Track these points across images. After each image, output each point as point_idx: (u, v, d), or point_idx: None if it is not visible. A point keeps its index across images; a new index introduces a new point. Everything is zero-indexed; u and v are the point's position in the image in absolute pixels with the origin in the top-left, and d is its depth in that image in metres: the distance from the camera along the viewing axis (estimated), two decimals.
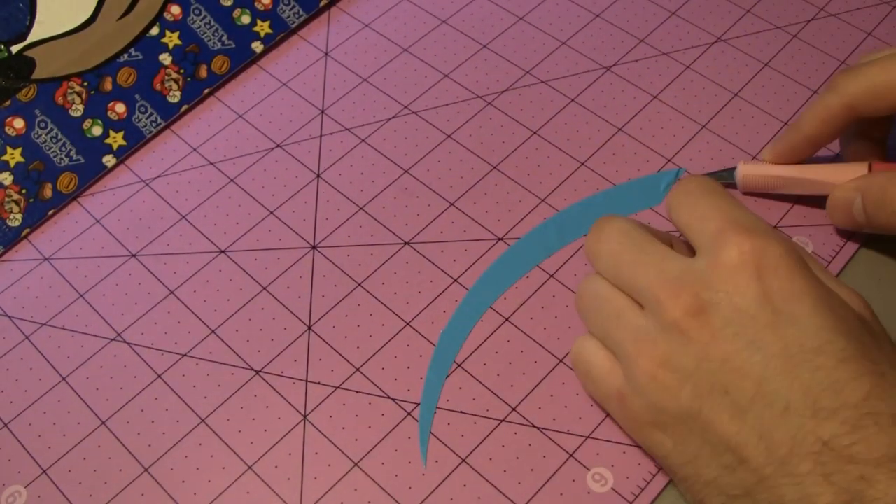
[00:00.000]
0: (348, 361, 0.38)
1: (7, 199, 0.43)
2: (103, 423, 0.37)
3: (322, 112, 0.46)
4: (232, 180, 0.44)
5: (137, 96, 0.46)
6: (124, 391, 0.38)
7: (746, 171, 0.40)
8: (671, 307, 0.31)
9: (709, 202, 0.33)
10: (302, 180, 0.44)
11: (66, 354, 0.39)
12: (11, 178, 0.43)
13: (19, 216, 0.43)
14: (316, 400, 0.37)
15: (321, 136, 0.46)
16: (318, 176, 0.44)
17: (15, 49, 0.45)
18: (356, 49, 0.49)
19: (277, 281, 0.41)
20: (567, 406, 0.37)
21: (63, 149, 0.44)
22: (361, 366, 0.38)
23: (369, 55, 0.48)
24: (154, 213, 0.43)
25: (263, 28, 0.48)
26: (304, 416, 0.37)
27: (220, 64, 0.47)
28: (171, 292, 0.41)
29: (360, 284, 0.40)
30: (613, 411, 0.35)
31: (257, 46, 0.48)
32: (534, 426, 0.36)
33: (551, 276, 0.40)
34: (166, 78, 0.47)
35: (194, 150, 0.45)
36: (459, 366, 0.38)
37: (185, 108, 0.46)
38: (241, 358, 0.39)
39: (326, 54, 0.49)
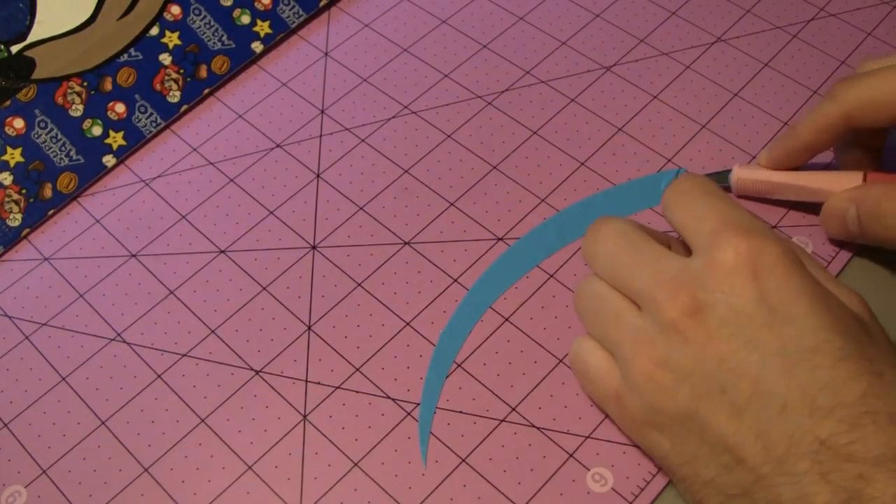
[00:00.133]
0: (348, 361, 0.38)
1: (7, 199, 0.43)
2: (103, 423, 0.37)
3: (322, 112, 0.46)
4: (232, 180, 0.44)
5: (137, 96, 0.46)
6: (124, 391, 0.38)
7: (741, 175, 0.40)
8: (668, 308, 0.31)
9: (705, 202, 0.33)
10: (302, 180, 0.44)
11: (66, 354, 0.39)
12: (11, 178, 0.43)
13: (19, 216, 0.43)
14: (316, 400, 0.37)
15: (321, 136, 0.46)
16: (318, 176, 0.44)
17: (15, 49, 0.45)
18: (356, 49, 0.49)
19: (277, 281, 0.41)
20: (567, 406, 0.37)
21: (63, 149, 0.44)
22: (361, 366, 0.38)
23: (369, 55, 0.48)
24: (154, 213, 0.43)
25: (263, 28, 0.48)
26: (304, 416, 0.37)
27: (220, 64, 0.47)
28: (171, 292, 0.41)
29: (360, 284, 0.40)
30: (611, 412, 0.35)
31: (257, 46, 0.48)
32: (534, 426, 0.36)
33: (551, 276, 0.40)
34: (166, 78, 0.47)
35: (194, 150, 0.45)
36: (459, 366, 0.38)
37: (185, 108, 0.46)
38: (241, 358, 0.39)
39: (326, 54, 0.49)
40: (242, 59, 0.48)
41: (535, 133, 0.45)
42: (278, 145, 0.45)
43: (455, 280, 0.40)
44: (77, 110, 0.45)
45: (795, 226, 0.41)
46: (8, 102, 0.44)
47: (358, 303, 0.40)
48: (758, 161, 0.40)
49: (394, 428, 0.37)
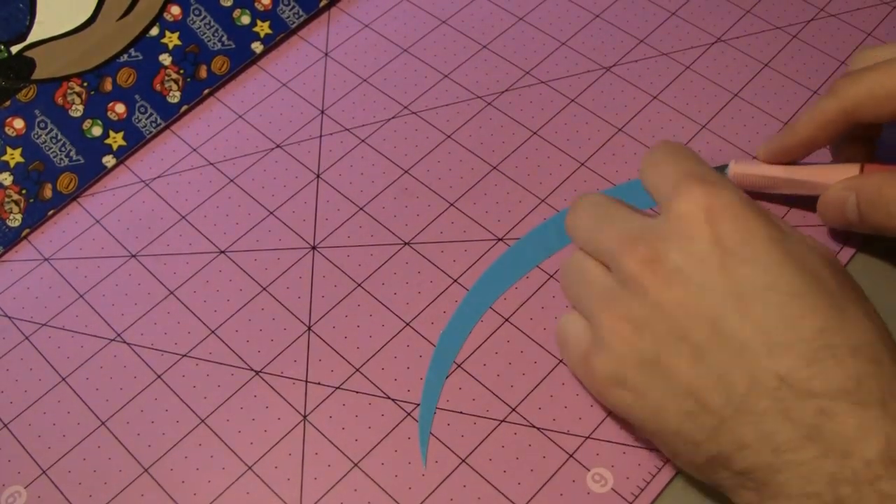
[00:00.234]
0: (348, 362, 0.38)
1: (7, 199, 0.43)
2: (103, 423, 0.37)
3: (322, 112, 0.46)
4: (232, 181, 0.44)
5: (137, 96, 0.46)
6: (124, 391, 0.38)
7: (738, 170, 0.40)
8: (628, 261, 0.32)
9: (672, 162, 0.33)
10: (302, 180, 0.44)
11: (65, 355, 0.39)
12: (11, 178, 0.43)
13: (19, 216, 0.43)
14: (316, 400, 0.37)
15: (321, 136, 0.46)
16: (318, 176, 0.44)
17: (15, 49, 0.45)
18: (356, 49, 0.49)
19: (277, 281, 0.41)
20: (567, 406, 0.37)
21: (63, 149, 0.44)
22: (361, 366, 0.38)
23: (369, 55, 0.48)
24: (154, 214, 0.43)
25: (263, 28, 0.49)
26: (304, 417, 0.37)
27: (219, 64, 0.47)
28: (171, 292, 0.41)
29: (360, 285, 0.40)
30: (581, 375, 0.35)
31: (257, 47, 0.48)
32: (534, 426, 0.36)
33: (551, 276, 0.40)
34: (166, 78, 0.47)
35: (194, 150, 0.45)
36: (459, 366, 0.38)
37: (184, 108, 0.46)
38: (241, 358, 0.39)
39: (326, 54, 0.49)
40: (242, 60, 0.48)
41: (535, 133, 0.45)
42: (278, 145, 0.45)
43: (455, 280, 0.40)
44: (77, 111, 0.45)
45: (795, 226, 0.41)
46: (8, 103, 0.44)
47: (358, 303, 0.40)
48: (756, 155, 0.40)
49: (394, 428, 0.37)
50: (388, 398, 0.37)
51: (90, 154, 0.45)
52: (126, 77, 0.46)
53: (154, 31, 0.47)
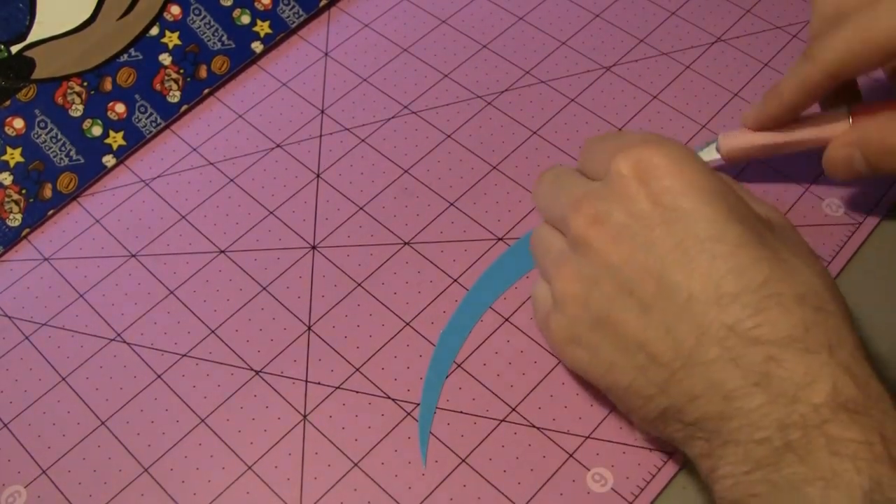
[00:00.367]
0: (348, 361, 0.38)
1: (7, 199, 0.43)
2: (103, 423, 0.37)
3: (322, 112, 0.46)
4: (232, 180, 0.44)
5: (137, 96, 0.46)
6: (124, 391, 0.38)
7: (728, 143, 0.40)
8: (574, 223, 0.32)
9: (603, 140, 0.35)
10: (302, 180, 0.44)
11: (65, 354, 0.39)
12: (11, 178, 0.43)
13: (19, 216, 0.43)
14: (316, 400, 0.37)
15: (321, 136, 0.46)
16: (318, 176, 0.44)
17: (15, 49, 0.45)
18: (356, 49, 0.49)
19: (277, 281, 0.41)
20: (567, 406, 0.37)
21: (63, 149, 0.44)
22: (361, 366, 0.38)
23: (369, 55, 0.48)
24: (154, 213, 0.43)
25: (263, 28, 0.48)
26: (304, 417, 0.37)
27: (219, 64, 0.47)
28: (171, 292, 0.41)
29: (359, 284, 0.40)
30: (545, 337, 0.37)
31: (257, 46, 0.48)
32: (534, 426, 0.36)
33: None
34: (166, 78, 0.47)
35: (194, 150, 0.45)
36: (459, 366, 0.38)
37: (184, 108, 0.46)
38: (240, 358, 0.39)
39: (326, 54, 0.49)
40: (242, 59, 0.48)
41: (535, 133, 0.45)
42: (278, 145, 0.45)
43: (455, 280, 0.40)
44: (77, 110, 0.45)
45: (796, 225, 0.41)
46: (8, 102, 0.44)
47: (358, 303, 0.40)
48: (743, 124, 0.40)
49: (394, 428, 0.37)
50: (388, 398, 0.37)
51: (90, 154, 0.45)
52: (126, 77, 0.46)
53: (154, 31, 0.47)
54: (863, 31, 0.35)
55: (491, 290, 0.40)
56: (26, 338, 0.40)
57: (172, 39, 0.47)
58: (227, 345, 0.39)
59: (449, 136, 0.45)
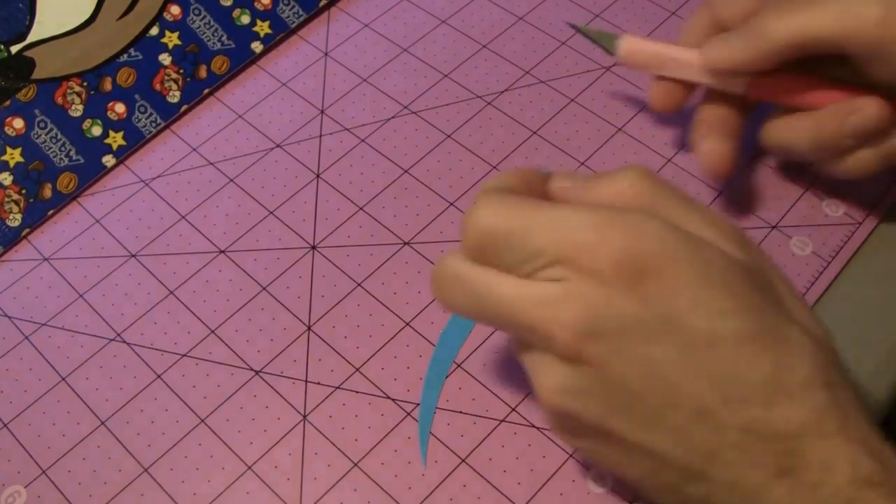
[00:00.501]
0: (348, 361, 0.38)
1: (7, 199, 0.43)
2: (103, 423, 0.37)
3: (322, 112, 0.46)
4: (232, 180, 0.44)
5: (137, 96, 0.46)
6: (124, 391, 0.38)
7: (631, 46, 0.41)
8: (556, 334, 0.28)
9: (551, 212, 0.29)
10: (302, 180, 0.44)
11: (65, 354, 0.39)
12: (11, 178, 0.43)
13: (19, 216, 0.43)
14: (316, 400, 0.37)
15: (321, 136, 0.46)
16: (318, 176, 0.44)
17: (15, 49, 0.45)
18: (356, 49, 0.49)
19: (277, 281, 0.41)
20: None
21: (63, 149, 0.44)
22: (361, 366, 0.38)
23: (369, 55, 0.48)
24: (154, 213, 0.43)
25: (263, 28, 0.48)
26: (304, 417, 0.37)
27: (219, 64, 0.47)
28: (171, 292, 0.41)
29: (359, 284, 0.40)
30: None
31: (257, 46, 0.48)
32: (534, 426, 0.36)
33: None
34: (166, 78, 0.47)
35: (194, 150, 0.45)
36: (459, 366, 0.38)
37: (184, 108, 0.46)
38: (240, 358, 0.39)
39: (326, 54, 0.49)
40: (242, 59, 0.48)
41: (535, 133, 0.45)
42: (278, 145, 0.45)
43: None
44: (77, 110, 0.45)
45: (795, 226, 0.41)
46: (8, 102, 0.44)
47: (358, 303, 0.40)
48: (702, 54, 0.39)
49: (394, 428, 0.37)
50: (388, 398, 0.37)
51: (90, 154, 0.45)
52: (126, 77, 0.46)
53: (154, 31, 0.47)
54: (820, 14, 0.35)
55: None
56: (26, 338, 0.40)
57: (172, 39, 0.47)
58: (227, 345, 0.39)
59: (449, 136, 0.45)
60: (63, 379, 0.39)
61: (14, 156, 0.44)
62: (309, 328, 0.39)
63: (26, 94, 0.45)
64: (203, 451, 0.36)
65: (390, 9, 0.50)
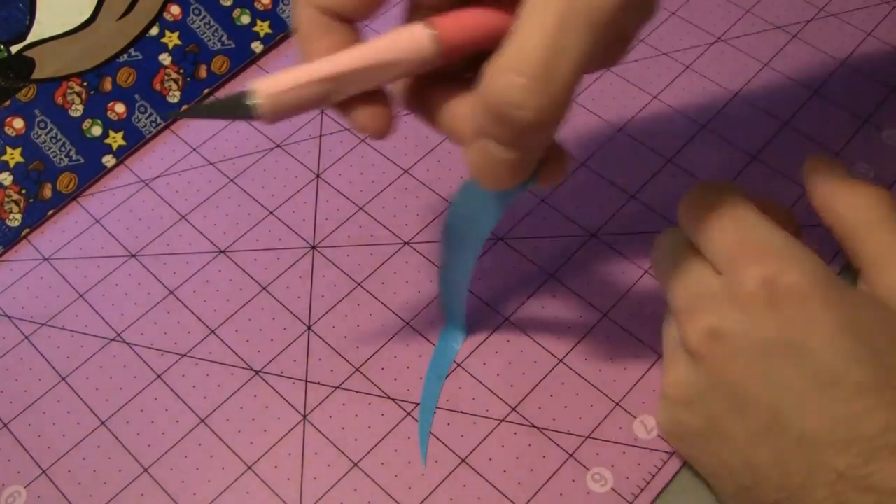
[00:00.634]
0: (348, 361, 0.38)
1: (7, 199, 0.43)
2: (103, 423, 0.37)
3: (322, 112, 0.46)
4: (232, 180, 0.44)
5: (137, 96, 0.46)
6: (124, 391, 0.38)
7: (274, 87, 0.27)
8: (687, 332, 0.31)
9: (719, 216, 0.31)
10: (302, 180, 0.44)
11: (65, 354, 0.39)
12: (11, 178, 0.43)
13: (19, 216, 0.43)
14: (316, 400, 0.37)
15: (321, 135, 0.45)
16: (318, 176, 0.44)
17: (15, 49, 0.45)
18: None
19: (277, 281, 0.41)
20: (567, 406, 0.37)
21: (63, 149, 0.44)
22: (361, 366, 0.38)
23: None
24: (154, 213, 0.43)
25: (263, 28, 0.48)
26: (304, 416, 0.37)
27: (219, 64, 0.47)
28: (171, 292, 0.41)
29: (359, 284, 0.40)
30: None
31: (257, 46, 0.48)
32: (534, 426, 0.36)
33: (551, 275, 0.40)
34: (166, 78, 0.47)
35: (194, 150, 0.45)
36: (459, 366, 0.38)
37: (185, 108, 0.46)
38: (240, 358, 0.39)
39: None
40: (242, 60, 0.48)
41: None
42: (278, 145, 0.45)
43: None
44: (77, 110, 0.45)
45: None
46: (8, 102, 0.44)
47: (358, 303, 0.40)
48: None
49: (394, 428, 0.37)
50: (388, 398, 0.37)
51: (90, 154, 0.45)
52: (126, 77, 0.46)
53: (154, 31, 0.47)
54: None
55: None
56: (26, 338, 0.40)
57: (172, 39, 0.47)
58: (227, 345, 0.39)
59: None
60: (63, 379, 0.39)
61: (14, 156, 0.44)
62: (309, 328, 0.39)
63: (26, 94, 0.45)
64: (203, 451, 0.36)
65: (390, 9, 0.50)
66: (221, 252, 0.42)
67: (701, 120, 0.45)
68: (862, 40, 0.47)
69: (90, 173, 0.44)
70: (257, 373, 0.38)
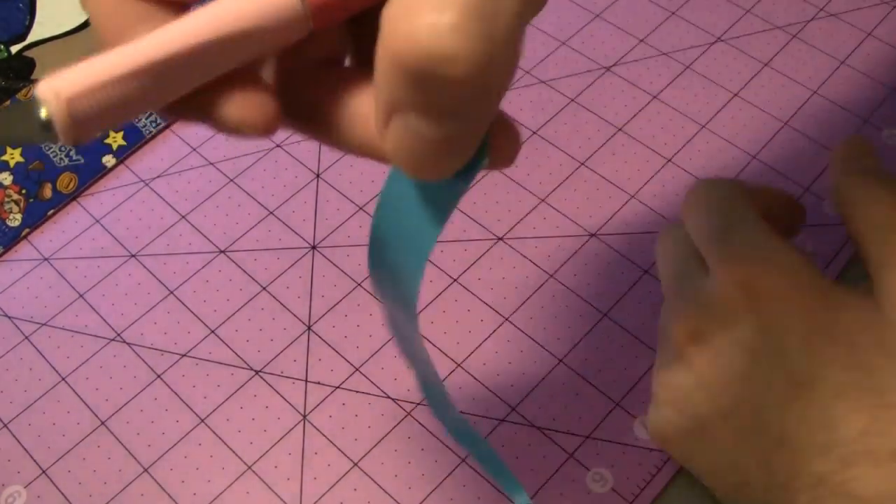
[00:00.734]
0: (348, 361, 0.38)
1: (7, 199, 0.43)
2: (103, 423, 0.37)
3: None
4: (232, 180, 0.44)
5: None
6: (124, 391, 0.38)
7: (71, 85, 0.20)
8: (675, 332, 0.31)
9: (710, 214, 0.32)
10: (302, 180, 0.44)
11: (65, 354, 0.39)
12: (11, 178, 0.43)
13: (19, 216, 0.43)
14: (316, 400, 0.37)
15: None
16: (318, 176, 0.44)
17: (15, 49, 0.45)
18: None
19: (277, 281, 0.41)
20: (567, 406, 0.37)
21: (63, 148, 0.44)
22: (361, 366, 0.38)
23: None
24: (154, 213, 0.43)
25: None
26: (304, 416, 0.37)
27: None
28: (171, 292, 0.41)
29: (359, 284, 0.40)
30: None
31: None
32: (534, 426, 0.36)
33: (551, 275, 0.40)
34: None
35: (194, 150, 0.45)
36: (459, 365, 0.38)
37: None
38: (240, 358, 0.39)
39: None
40: None
41: (535, 133, 0.45)
42: (278, 145, 0.45)
43: (455, 280, 0.40)
44: None
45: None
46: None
47: (358, 303, 0.40)
48: None
49: (394, 428, 0.37)
50: (388, 398, 0.37)
51: (90, 154, 0.45)
52: None
53: None
54: None
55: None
56: (26, 338, 0.40)
57: None
58: (227, 345, 0.39)
59: None
60: (63, 379, 0.39)
61: (14, 156, 0.44)
62: (309, 328, 0.39)
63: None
64: (203, 451, 0.36)
65: None
66: (221, 252, 0.42)
67: (701, 120, 0.45)
68: (862, 40, 0.47)
69: (90, 173, 0.44)
70: (257, 373, 0.38)
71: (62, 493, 0.36)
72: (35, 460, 0.37)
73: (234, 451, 0.36)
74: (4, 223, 0.43)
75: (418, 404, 0.37)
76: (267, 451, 0.36)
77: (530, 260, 0.41)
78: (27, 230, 0.43)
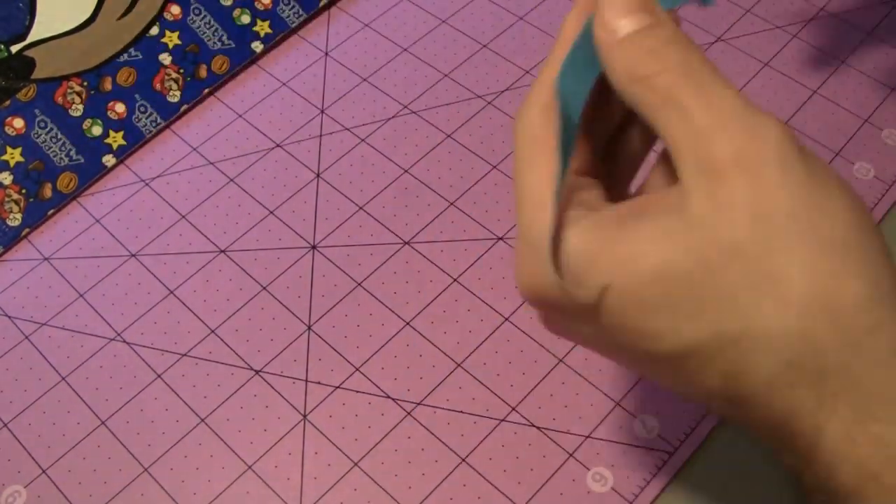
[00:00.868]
0: (348, 361, 0.38)
1: (7, 199, 0.43)
2: (103, 423, 0.37)
3: (322, 112, 0.46)
4: (232, 180, 0.44)
5: (137, 96, 0.46)
6: (124, 391, 0.38)
7: None
8: (720, 145, 0.25)
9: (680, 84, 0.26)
10: (302, 180, 0.44)
11: (65, 354, 0.39)
12: (11, 177, 0.43)
13: (19, 216, 0.43)
14: (316, 400, 0.37)
15: (321, 135, 0.46)
16: (318, 176, 0.44)
17: (15, 49, 0.45)
18: (356, 49, 0.49)
19: (277, 281, 0.41)
20: (567, 406, 0.37)
21: (63, 148, 0.44)
22: (361, 366, 0.38)
23: (369, 55, 0.48)
24: (154, 213, 0.43)
25: (263, 28, 0.48)
26: (304, 416, 0.37)
27: (219, 64, 0.47)
28: (171, 292, 0.41)
29: (359, 284, 0.40)
30: None
31: (257, 46, 0.48)
32: (534, 426, 0.36)
33: None
34: (166, 78, 0.47)
35: (194, 150, 0.45)
36: (459, 365, 0.38)
37: (185, 107, 0.46)
38: (240, 358, 0.39)
39: (326, 54, 0.49)
40: (242, 59, 0.48)
41: None
42: (278, 145, 0.45)
43: (455, 280, 0.40)
44: (77, 110, 0.45)
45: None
46: (8, 102, 0.44)
47: (358, 302, 0.40)
48: None
49: (394, 428, 0.37)
50: (388, 398, 0.37)
51: (90, 153, 0.45)
52: (126, 76, 0.46)
53: (154, 31, 0.47)
54: None
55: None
56: (26, 338, 0.40)
57: (172, 39, 0.47)
58: (227, 345, 0.39)
59: (449, 136, 0.45)
60: (63, 379, 0.39)
61: (14, 155, 0.44)
62: (309, 328, 0.39)
63: (26, 93, 0.45)
64: (203, 451, 0.36)
65: (390, 8, 0.50)
66: (221, 252, 0.42)
67: None
68: (862, 40, 0.47)
69: (90, 173, 0.44)
70: (257, 372, 0.38)
71: (62, 493, 0.36)
72: (35, 460, 0.37)
73: (234, 451, 0.36)
74: (4, 223, 0.43)
75: (418, 404, 0.37)
76: (267, 451, 0.36)
77: None
78: (27, 230, 0.43)
